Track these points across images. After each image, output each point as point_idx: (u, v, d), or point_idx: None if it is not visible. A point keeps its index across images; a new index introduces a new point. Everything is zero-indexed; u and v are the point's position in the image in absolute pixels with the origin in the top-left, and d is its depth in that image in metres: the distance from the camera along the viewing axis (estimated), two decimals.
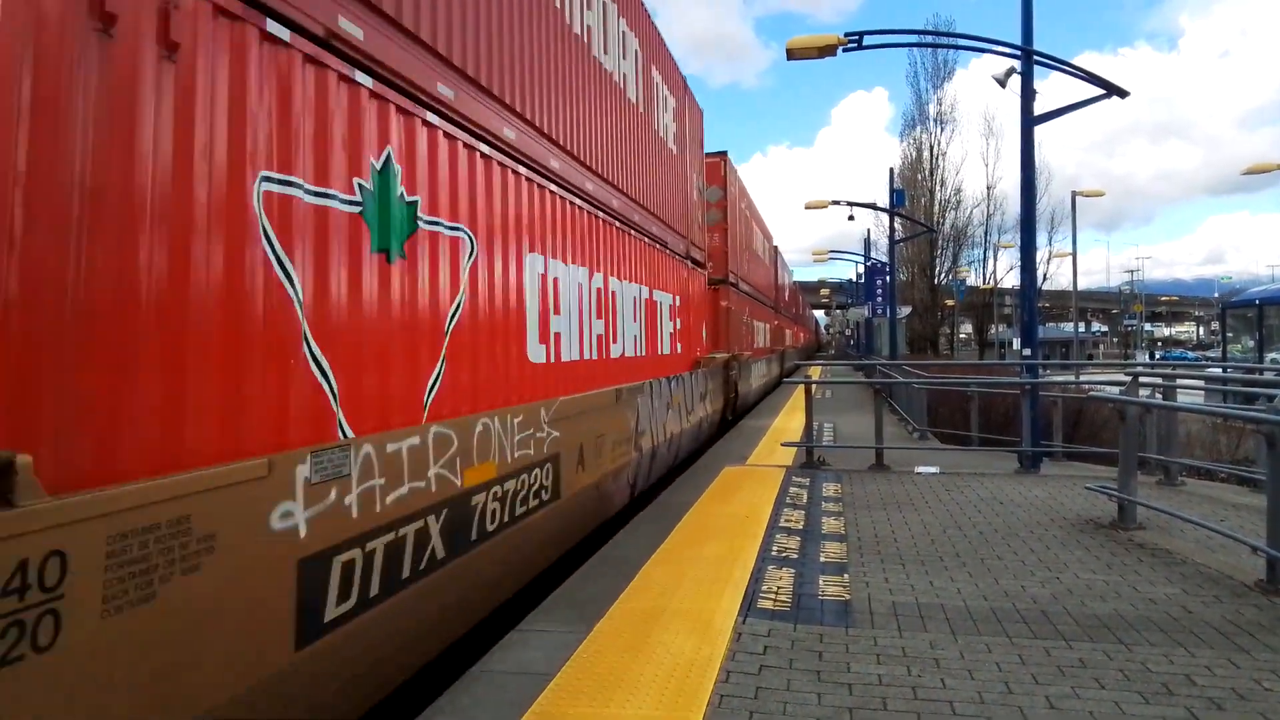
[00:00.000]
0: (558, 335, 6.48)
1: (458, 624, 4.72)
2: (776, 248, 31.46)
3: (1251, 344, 22.70)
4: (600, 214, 7.90)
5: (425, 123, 4.47)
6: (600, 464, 7.28)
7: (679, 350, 11.54)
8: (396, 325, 4.08)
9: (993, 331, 52.88)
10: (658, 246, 10.50)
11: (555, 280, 6.53)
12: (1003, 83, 10.62)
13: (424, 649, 4.34)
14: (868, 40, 10.78)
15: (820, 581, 5.23)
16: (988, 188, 48.81)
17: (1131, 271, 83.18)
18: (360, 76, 3.86)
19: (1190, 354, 72.85)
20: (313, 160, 3.53)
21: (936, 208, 48.68)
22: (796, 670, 3.83)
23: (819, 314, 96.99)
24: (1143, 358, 61.72)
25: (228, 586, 2.84)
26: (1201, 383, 14.75)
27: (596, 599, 4.86)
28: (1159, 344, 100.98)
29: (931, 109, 49.75)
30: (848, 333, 67.79)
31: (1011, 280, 46.97)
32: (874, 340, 34.31)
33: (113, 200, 2.51)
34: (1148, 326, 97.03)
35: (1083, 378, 16.46)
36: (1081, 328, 62.26)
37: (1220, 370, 18.12)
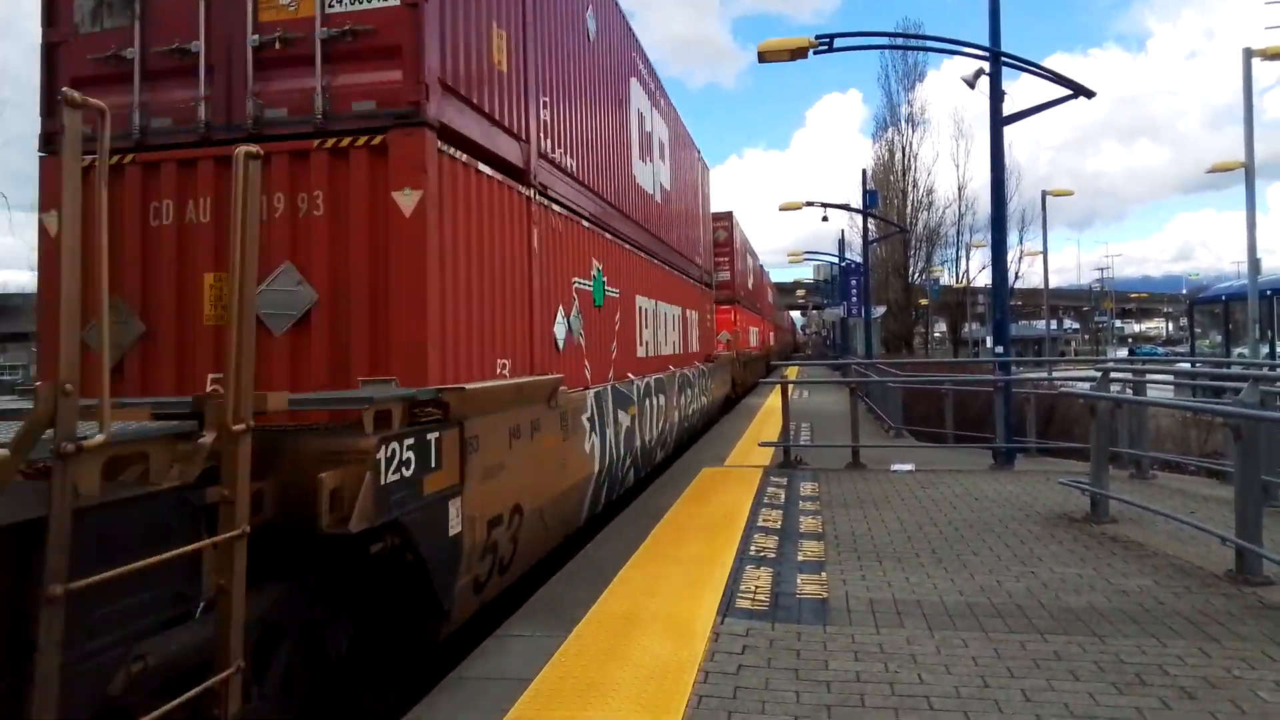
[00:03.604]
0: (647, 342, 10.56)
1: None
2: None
3: (1219, 339, 23.13)
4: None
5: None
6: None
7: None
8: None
9: (966, 330, 53.41)
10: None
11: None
12: (972, 84, 10.72)
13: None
14: (838, 43, 10.84)
15: (798, 580, 5.25)
16: (959, 188, 49.38)
17: (1102, 269, 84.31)
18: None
19: (1160, 350, 74.02)
20: None
21: (909, 208, 49.14)
22: (775, 669, 3.84)
23: (795, 314, 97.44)
24: (1122, 353, 62.64)
25: None
26: (1171, 378, 14.99)
27: (575, 603, 4.84)
28: (1129, 340, 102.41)
29: (903, 110, 50.26)
30: (824, 333, 68.20)
31: (984, 279, 47.47)
32: (850, 340, 34.53)
33: None
34: (1118, 323, 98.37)
35: (1055, 374, 16.68)
36: (1053, 325, 63.09)
37: (1189, 365, 18.42)
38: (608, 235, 8.68)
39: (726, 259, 23.00)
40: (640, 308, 10.23)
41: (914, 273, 49.76)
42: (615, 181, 9.24)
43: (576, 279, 7.40)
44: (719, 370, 18.15)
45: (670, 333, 12.43)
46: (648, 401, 9.94)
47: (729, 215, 23.58)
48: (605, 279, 8.42)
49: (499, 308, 5.59)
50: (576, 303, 7.36)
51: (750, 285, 29.41)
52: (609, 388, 8.09)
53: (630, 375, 9.20)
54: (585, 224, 7.75)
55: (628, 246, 9.67)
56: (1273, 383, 7.57)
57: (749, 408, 19.76)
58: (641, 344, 10.22)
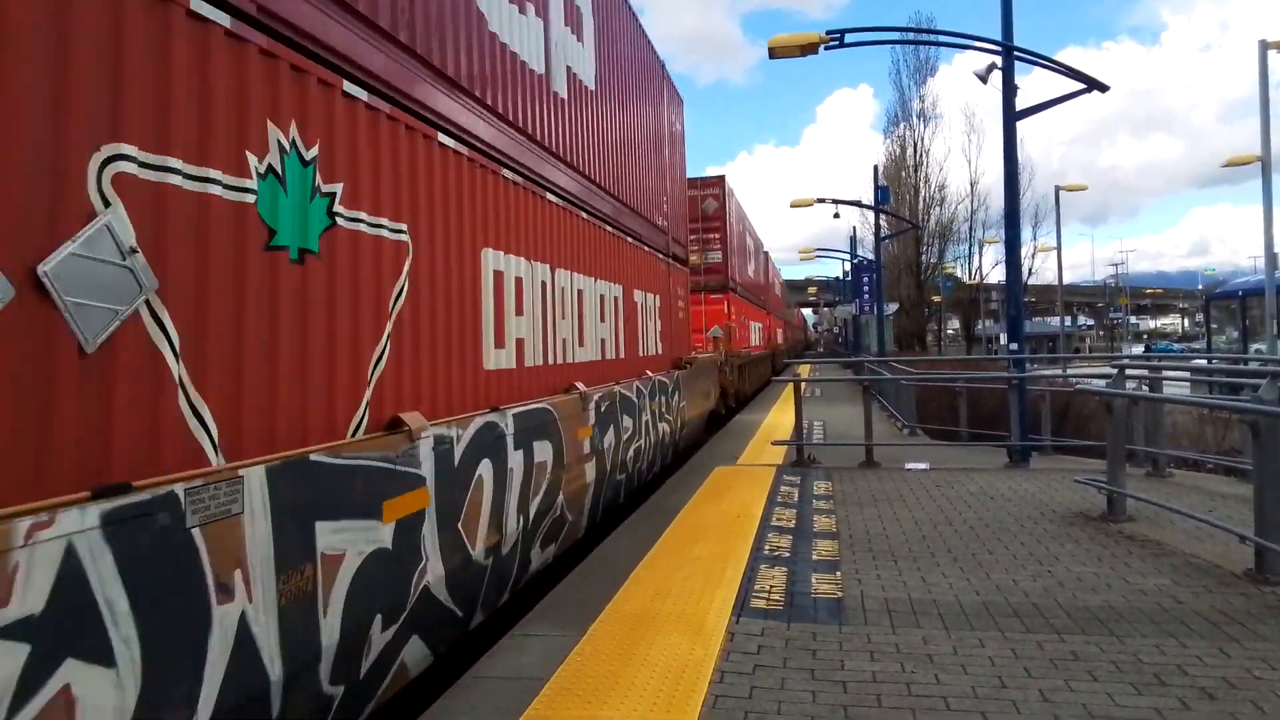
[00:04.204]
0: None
1: None
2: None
3: (1235, 335, 22.92)
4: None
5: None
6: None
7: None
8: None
9: (980, 327, 53.17)
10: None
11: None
12: (984, 79, 10.68)
13: None
14: (849, 38, 10.82)
15: (813, 579, 5.23)
16: (971, 183, 49.17)
17: (1116, 265, 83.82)
18: None
19: (1175, 346, 73.48)
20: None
21: (921, 204, 48.97)
22: (790, 669, 3.83)
23: (807, 312, 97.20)
24: (1138, 349, 62.27)
25: None
26: (1187, 375, 14.88)
27: (589, 602, 4.85)
28: (1145, 336, 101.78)
29: (915, 106, 50.12)
30: (836, 330, 68.04)
31: (997, 275, 47.24)
32: (862, 337, 34.43)
33: None
34: (1133, 319, 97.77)
35: (1069, 371, 16.58)
36: (1067, 321, 62.71)
37: (1205, 362, 18.28)
38: (360, 93, 3.99)
39: (718, 235, 18.57)
40: (503, 275, 5.70)
41: (926, 269, 49.55)
42: None
43: (117, 151, 2.60)
44: (697, 379, 13.31)
45: (596, 325, 7.90)
46: (487, 467, 5.09)
47: (720, 181, 18.79)
48: (335, 187, 3.79)
49: None
50: (110, 222, 2.56)
51: (751, 272, 25.06)
52: (264, 473, 3.10)
53: (422, 416, 4.36)
54: (228, 25, 3.11)
55: (454, 144, 5.01)
56: None
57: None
58: (504, 344, 5.64)
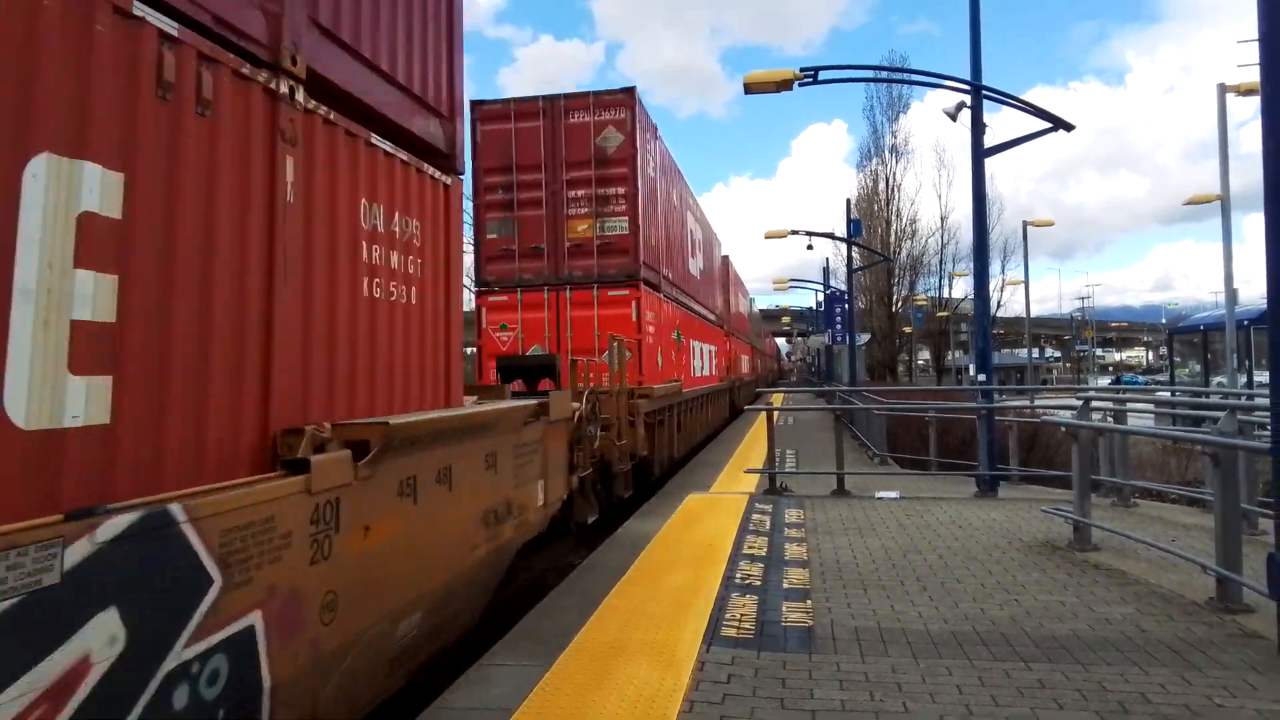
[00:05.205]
0: None
1: None
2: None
3: (1198, 368, 23.41)
4: None
5: None
6: None
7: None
8: None
9: (950, 358, 53.80)
10: None
11: None
12: (953, 117, 10.91)
13: None
14: (823, 75, 11.01)
15: (783, 608, 5.24)
16: (942, 217, 49.94)
17: (1083, 298, 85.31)
18: None
19: (1140, 378, 74.78)
20: None
21: (893, 237, 49.62)
22: (760, 698, 3.82)
23: (781, 341, 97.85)
24: (1104, 381, 63.36)
25: None
26: (1151, 406, 15.14)
27: (559, 631, 4.81)
28: (1111, 369, 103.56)
29: (887, 141, 50.87)
30: (809, 360, 68.50)
31: (967, 307, 47.93)
32: (835, 367, 34.71)
33: None
34: (1099, 352, 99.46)
35: (1036, 402, 16.81)
36: (1035, 353, 63.71)
37: (1169, 394, 18.62)
38: None
39: (623, 190, 11.21)
40: None
41: (897, 301, 50.16)
42: None
43: None
44: (451, 493, 4.58)
45: None
46: None
47: (628, 98, 11.32)
48: None
49: None
50: None
51: (696, 270, 17.16)
52: None
53: None
54: None
55: None
56: (1250, 412, 7.67)
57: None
58: None
